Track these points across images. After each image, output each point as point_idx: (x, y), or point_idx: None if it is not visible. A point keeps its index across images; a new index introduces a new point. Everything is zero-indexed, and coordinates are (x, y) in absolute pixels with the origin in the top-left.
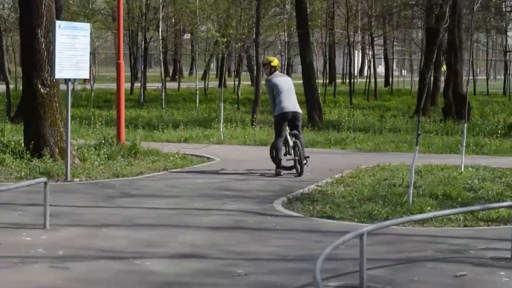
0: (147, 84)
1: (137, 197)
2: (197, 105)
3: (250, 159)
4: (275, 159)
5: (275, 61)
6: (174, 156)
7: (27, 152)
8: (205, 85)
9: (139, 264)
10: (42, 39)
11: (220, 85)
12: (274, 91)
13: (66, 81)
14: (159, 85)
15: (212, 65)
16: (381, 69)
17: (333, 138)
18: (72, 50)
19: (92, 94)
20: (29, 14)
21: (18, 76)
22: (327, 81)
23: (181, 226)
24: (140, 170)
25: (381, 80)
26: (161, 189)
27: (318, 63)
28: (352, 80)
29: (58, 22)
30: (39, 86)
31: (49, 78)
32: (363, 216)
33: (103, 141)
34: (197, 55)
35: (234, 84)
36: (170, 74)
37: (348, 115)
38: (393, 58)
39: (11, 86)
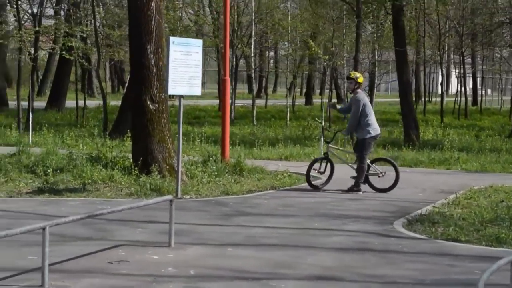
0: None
1: (253, 215)
2: (288, 122)
3: None
4: (360, 177)
5: (361, 78)
6: (281, 174)
7: (135, 168)
8: (293, 102)
9: (275, 286)
10: (152, 55)
11: (307, 103)
12: (366, 110)
13: (178, 97)
14: (245, 102)
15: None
16: (467, 88)
17: (437, 157)
18: (185, 67)
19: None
20: (138, 30)
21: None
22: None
23: (307, 246)
24: (249, 188)
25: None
26: (275, 208)
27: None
28: (442, 99)
29: (172, 38)
30: (148, 102)
31: (158, 94)
32: (490, 239)
33: (207, 158)
34: (281, 72)
35: (321, 101)
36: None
37: (443, 134)
38: (482, 77)
39: (98, 102)
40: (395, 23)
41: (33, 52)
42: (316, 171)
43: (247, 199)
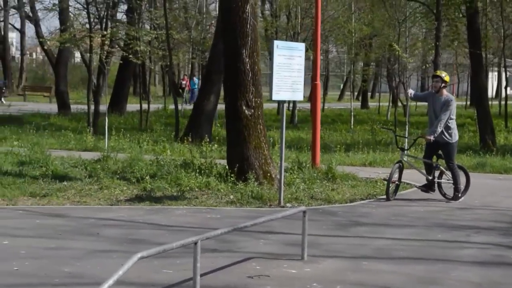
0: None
1: (369, 225)
2: (352, 126)
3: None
4: (458, 183)
5: (448, 77)
6: (375, 182)
7: (231, 175)
8: (351, 106)
9: None
10: (247, 59)
11: (362, 106)
12: (454, 112)
13: (281, 103)
14: (300, 105)
15: (341, 85)
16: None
17: None
18: (288, 71)
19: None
20: (233, 34)
21: (155, 95)
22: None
23: (442, 260)
24: (348, 196)
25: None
26: (386, 217)
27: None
28: (506, 102)
29: (276, 42)
30: (244, 108)
31: (253, 99)
32: None
33: (299, 165)
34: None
35: (379, 105)
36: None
37: None
38: None
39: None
40: (470, 25)
41: (103, 56)
42: (394, 182)
43: (354, 208)
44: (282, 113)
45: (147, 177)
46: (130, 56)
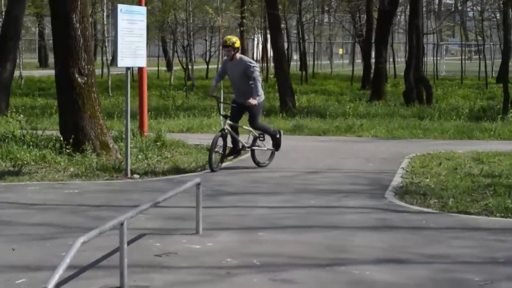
0: None
1: (238, 194)
2: None
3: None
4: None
5: (238, 42)
6: (206, 149)
7: (67, 147)
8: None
9: (359, 273)
10: (78, 25)
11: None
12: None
13: (126, 69)
14: None
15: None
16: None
17: (342, 125)
18: (131, 36)
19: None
20: None
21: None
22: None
23: (334, 226)
24: (193, 164)
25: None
26: (246, 185)
27: None
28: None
29: (120, 6)
30: (76, 76)
31: (86, 66)
32: (499, 210)
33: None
34: None
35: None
36: None
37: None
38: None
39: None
40: None
41: None
42: (218, 152)
43: (207, 176)
44: (127, 81)
45: None
46: None
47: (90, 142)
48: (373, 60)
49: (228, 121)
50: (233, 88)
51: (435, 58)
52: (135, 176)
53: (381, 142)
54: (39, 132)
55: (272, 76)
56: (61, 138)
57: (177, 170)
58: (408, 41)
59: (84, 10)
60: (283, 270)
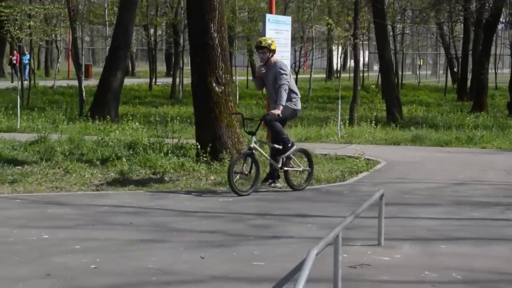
0: None
1: (394, 205)
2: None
3: (415, 161)
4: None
5: (274, 44)
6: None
7: (204, 155)
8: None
9: None
10: (216, 34)
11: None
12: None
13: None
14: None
15: None
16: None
17: (463, 137)
18: (277, 46)
19: None
20: (200, 8)
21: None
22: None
23: (498, 239)
24: (334, 174)
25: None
26: (398, 196)
27: None
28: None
29: (267, 16)
30: (214, 85)
31: (223, 75)
32: None
33: None
34: None
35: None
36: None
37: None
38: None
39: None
40: None
41: None
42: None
43: (354, 187)
44: None
45: (117, 160)
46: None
47: (228, 151)
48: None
49: (255, 138)
50: (269, 99)
51: None
52: (278, 185)
53: (510, 154)
54: (175, 141)
55: (374, 86)
56: (198, 146)
57: (316, 179)
58: None
59: (222, 19)
60: (494, 286)
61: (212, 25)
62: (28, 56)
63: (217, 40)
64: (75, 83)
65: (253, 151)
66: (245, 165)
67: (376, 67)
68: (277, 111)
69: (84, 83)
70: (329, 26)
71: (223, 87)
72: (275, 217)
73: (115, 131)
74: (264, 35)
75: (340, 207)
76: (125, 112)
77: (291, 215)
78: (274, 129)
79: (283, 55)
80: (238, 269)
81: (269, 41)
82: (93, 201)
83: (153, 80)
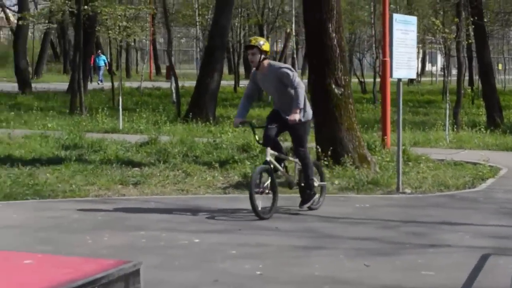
0: None
1: None
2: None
3: None
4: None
5: (267, 45)
6: (460, 165)
7: (325, 159)
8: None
9: None
10: (334, 34)
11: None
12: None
13: (398, 80)
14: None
15: None
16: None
17: None
18: (404, 47)
19: None
20: (318, 7)
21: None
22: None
23: None
24: (461, 181)
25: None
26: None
27: None
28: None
29: (394, 16)
30: (333, 86)
31: (342, 77)
32: None
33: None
34: None
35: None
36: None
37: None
38: None
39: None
40: None
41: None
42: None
43: (488, 193)
44: (399, 92)
45: (235, 163)
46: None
47: (349, 154)
48: None
49: (271, 151)
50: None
51: None
52: (407, 191)
53: None
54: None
55: (469, 90)
56: (319, 150)
57: (444, 185)
58: None
59: (340, 19)
60: None
61: (330, 25)
62: (103, 57)
63: (335, 41)
64: (159, 84)
65: (270, 165)
66: (264, 182)
67: (454, 71)
68: (297, 116)
69: (167, 84)
70: (436, 28)
71: (342, 89)
72: (423, 225)
73: (227, 133)
74: (392, 36)
75: (484, 215)
76: (219, 114)
77: (437, 222)
78: (304, 163)
79: (410, 57)
80: (408, 278)
81: (261, 41)
82: (227, 205)
83: (237, 82)
